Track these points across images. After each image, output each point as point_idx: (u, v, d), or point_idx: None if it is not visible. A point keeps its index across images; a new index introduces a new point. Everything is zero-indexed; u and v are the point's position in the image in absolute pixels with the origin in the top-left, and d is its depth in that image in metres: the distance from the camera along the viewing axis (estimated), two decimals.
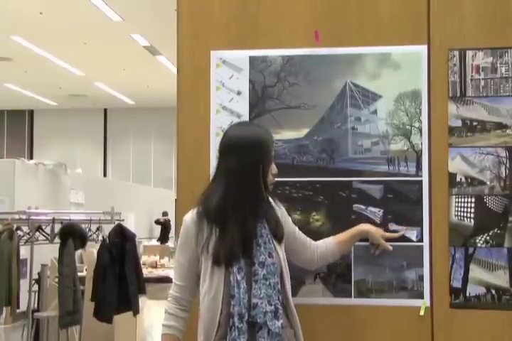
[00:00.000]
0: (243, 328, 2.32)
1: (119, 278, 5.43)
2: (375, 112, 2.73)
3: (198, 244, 2.42)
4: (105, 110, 20.18)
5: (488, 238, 2.63)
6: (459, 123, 2.68)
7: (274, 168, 2.49)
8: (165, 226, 15.99)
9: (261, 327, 2.33)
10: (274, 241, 2.43)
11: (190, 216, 2.46)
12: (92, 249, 6.42)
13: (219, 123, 2.79)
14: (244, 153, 2.40)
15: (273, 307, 2.34)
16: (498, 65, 2.68)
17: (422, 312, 2.64)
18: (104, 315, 5.53)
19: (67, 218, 6.26)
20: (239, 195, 2.39)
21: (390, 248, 2.63)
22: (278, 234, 2.45)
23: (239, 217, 2.38)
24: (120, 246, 5.53)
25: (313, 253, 2.57)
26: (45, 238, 6.32)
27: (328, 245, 2.59)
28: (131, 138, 20.13)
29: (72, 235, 5.65)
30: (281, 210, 2.52)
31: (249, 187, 2.40)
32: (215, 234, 2.40)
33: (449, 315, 2.64)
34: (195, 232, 2.43)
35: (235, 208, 2.38)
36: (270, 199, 2.49)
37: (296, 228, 2.58)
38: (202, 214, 2.43)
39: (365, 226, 2.63)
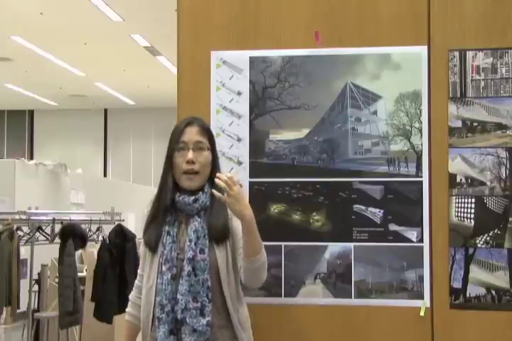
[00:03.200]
0: (164, 319, 2.34)
1: (119, 279, 5.44)
2: (375, 113, 2.73)
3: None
4: (105, 110, 20.17)
5: (488, 239, 2.63)
6: (459, 123, 2.68)
7: (187, 155, 2.41)
8: None
9: (182, 323, 2.34)
10: (213, 240, 2.39)
11: (149, 207, 2.55)
12: (92, 249, 6.42)
13: (219, 124, 2.79)
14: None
15: (199, 304, 2.33)
16: (499, 66, 2.68)
17: (422, 313, 2.64)
18: (104, 315, 5.53)
19: (68, 218, 6.25)
20: (159, 185, 2.50)
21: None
22: (213, 233, 2.39)
23: (159, 206, 2.46)
24: (120, 246, 5.53)
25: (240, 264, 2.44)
26: (45, 238, 6.32)
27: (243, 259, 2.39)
28: (131, 138, 20.12)
29: (72, 235, 5.64)
30: (232, 220, 2.41)
31: (161, 177, 2.49)
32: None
33: (449, 316, 2.64)
34: (144, 228, 2.52)
35: (157, 197, 2.48)
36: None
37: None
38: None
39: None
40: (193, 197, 2.41)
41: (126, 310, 2.57)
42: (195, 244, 2.37)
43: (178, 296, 2.34)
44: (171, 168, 2.45)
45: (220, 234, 2.40)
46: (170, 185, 2.43)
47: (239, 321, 2.40)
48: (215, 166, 2.47)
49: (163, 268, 2.37)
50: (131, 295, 2.57)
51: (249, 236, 2.31)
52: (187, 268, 2.35)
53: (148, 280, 2.44)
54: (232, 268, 2.41)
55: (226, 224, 2.41)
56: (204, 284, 2.34)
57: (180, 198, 2.41)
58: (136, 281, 2.57)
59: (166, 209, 2.43)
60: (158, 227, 2.43)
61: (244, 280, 2.40)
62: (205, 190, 2.43)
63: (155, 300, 2.38)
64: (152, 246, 2.43)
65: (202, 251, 2.36)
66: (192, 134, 2.44)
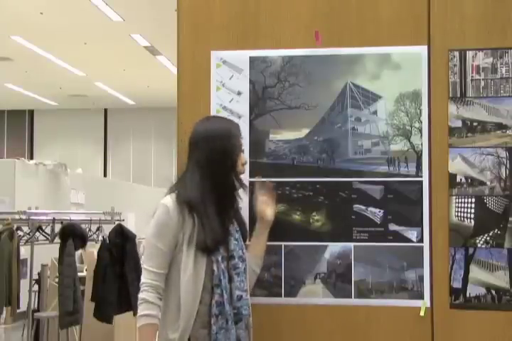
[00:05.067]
0: (223, 315, 2.38)
1: (119, 278, 5.44)
2: (375, 113, 2.73)
3: (181, 231, 2.43)
4: (105, 110, 20.17)
5: (488, 238, 2.63)
6: (459, 123, 2.68)
7: (243, 158, 2.56)
8: None
9: (240, 319, 2.40)
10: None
11: (169, 200, 2.47)
12: (93, 249, 6.43)
13: None
14: (213, 145, 2.49)
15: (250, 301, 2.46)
16: (499, 66, 2.68)
17: (422, 313, 2.64)
18: (104, 315, 5.53)
19: (68, 218, 6.26)
20: (213, 185, 2.46)
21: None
22: (244, 234, 2.55)
23: (218, 206, 2.47)
24: (120, 246, 5.54)
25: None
26: (45, 238, 6.32)
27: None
28: (131, 138, 20.12)
29: (72, 235, 5.65)
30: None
31: (221, 177, 2.48)
32: (198, 222, 2.43)
33: (449, 316, 2.64)
34: (177, 219, 2.43)
35: (212, 198, 2.45)
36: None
37: None
38: (182, 202, 2.45)
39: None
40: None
41: (147, 312, 2.40)
42: (241, 243, 2.49)
43: (240, 292, 2.43)
44: (232, 168, 2.51)
45: (245, 236, 2.57)
46: (236, 185, 2.52)
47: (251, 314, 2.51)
48: None
49: (223, 266, 2.41)
50: (150, 296, 2.41)
51: (263, 238, 2.60)
52: (242, 266, 2.46)
53: (195, 277, 2.39)
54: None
55: (245, 224, 2.60)
56: (245, 282, 2.48)
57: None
58: (150, 280, 2.42)
59: (228, 217, 2.50)
60: (217, 238, 2.44)
61: None
62: None
63: (202, 296, 2.40)
64: (221, 244, 2.44)
65: (243, 251, 2.50)
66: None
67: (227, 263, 2.43)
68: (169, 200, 2.46)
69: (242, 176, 2.57)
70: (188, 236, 2.42)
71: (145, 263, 2.45)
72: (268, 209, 2.62)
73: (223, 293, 2.38)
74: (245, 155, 2.58)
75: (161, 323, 2.42)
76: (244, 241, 2.55)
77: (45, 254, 6.67)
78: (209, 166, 2.48)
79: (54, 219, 6.19)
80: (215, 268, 2.39)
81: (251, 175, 2.76)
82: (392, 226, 2.68)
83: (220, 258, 2.42)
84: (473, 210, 2.64)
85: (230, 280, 2.42)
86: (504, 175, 2.65)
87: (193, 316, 2.38)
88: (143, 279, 2.44)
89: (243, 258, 2.47)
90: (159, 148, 19.74)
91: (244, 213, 2.72)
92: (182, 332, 2.38)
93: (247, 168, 2.75)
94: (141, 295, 2.43)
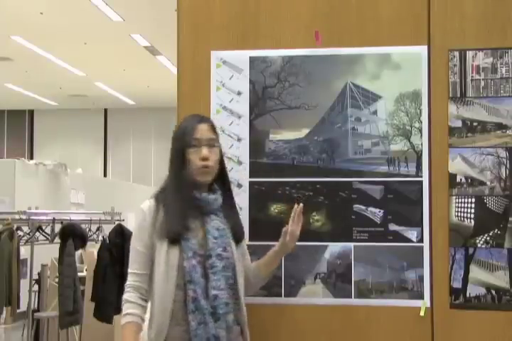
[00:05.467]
0: (196, 312, 2.35)
1: (119, 278, 5.42)
2: (375, 113, 2.73)
3: (154, 230, 2.46)
4: (105, 110, 20.16)
5: (488, 238, 2.63)
6: (459, 123, 2.68)
7: (201, 152, 2.46)
8: None
9: (219, 318, 2.36)
10: (231, 239, 2.48)
11: (147, 204, 2.51)
12: (92, 249, 6.43)
13: (219, 124, 2.78)
14: (173, 144, 2.52)
15: (228, 300, 2.40)
16: (498, 66, 2.68)
17: (422, 313, 2.64)
18: (104, 315, 5.53)
19: (68, 218, 6.26)
20: (172, 183, 2.50)
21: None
22: (236, 233, 2.50)
23: (178, 203, 2.46)
24: (120, 246, 5.53)
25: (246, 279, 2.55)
26: (45, 238, 6.32)
27: (254, 274, 2.58)
28: (131, 138, 20.11)
29: (72, 235, 5.65)
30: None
31: (176, 175, 2.50)
32: (163, 216, 2.47)
33: (449, 316, 2.64)
34: (151, 218, 2.47)
35: (174, 195, 2.47)
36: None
37: (245, 244, 2.59)
38: (157, 201, 2.50)
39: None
40: (213, 196, 2.48)
41: (128, 311, 2.43)
42: (221, 241, 2.43)
43: (216, 291, 2.37)
44: (184, 164, 2.48)
45: (241, 235, 2.53)
46: (188, 181, 2.47)
47: (245, 317, 2.48)
48: (222, 163, 2.55)
49: (194, 261, 2.38)
50: (131, 296, 2.45)
51: (279, 263, 2.61)
52: (219, 264, 2.40)
53: (165, 275, 2.40)
54: (243, 268, 2.51)
55: (239, 224, 2.55)
56: (228, 281, 2.41)
57: (203, 196, 2.46)
58: (132, 282, 2.47)
59: (188, 205, 2.45)
60: (179, 222, 2.43)
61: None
62: (218, 191, 2.51)
63: (175, 294, 2.38)
64: (177, 239, 2.41)
65: (225, 250, 2.44)
66: (204, 131, 2.49)
67: (203, 261, 2.40)
68: (145, 203, 2.52)
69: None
70: (160, 232, 2.45)
71: (129, 267, 2.50)
72: (293, 240, 2.53)
73: (196, 288, 2.36)
74: (203, 150, 2.44)
75: (148, 323, 2.46)
76: (238, 241, 2.51)
77: (45, 254, 6.67)
78: (170, 163, 2.53)
79: (54, 219, 6.19)
80: (185, 264, 2.38)
81: (251, 176, 2.76)
82: (392, 226, 2.68)
83: (191, 254, 2.39)
84: (473, 210, 2.64)
85: (207, 278, 2.39)
86: (504, 175, 2.65)
87: (167, 313, 2.38)
88: (126, 282, 2.50)
89: (222, 256, 2.41)
90: (159, 148, 19.72)
91: (245, 213, 2.72)
92: (157, 331, 2.40)
93: (246, 168, 2.75)
94: (123, 297, 2.48)
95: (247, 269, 2.54)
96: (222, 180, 2.54)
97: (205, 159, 2.45)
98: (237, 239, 2.50)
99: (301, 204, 2.52)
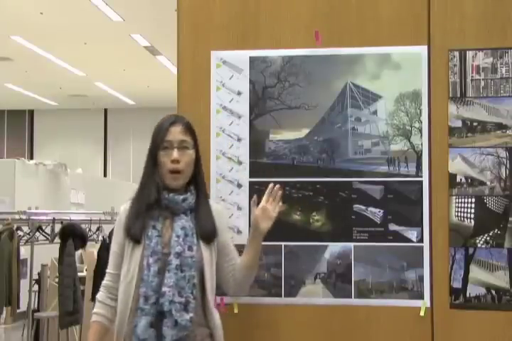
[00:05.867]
0: (147, 310, 2.35)
1: None
2: (375, 113, 2.73)
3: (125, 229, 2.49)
4: (105, 110, 20.16)
5: (488, 238, 2.63)
6: (459, 123, 2.68)
7: (172, 155, 2.46)
8: None
9: (165, 316, 2.35)
10: (200, 239, 2.45)
11: (123, 206, 2.55)
12: (92, 249, 6.43)
13: (219, 124, 2.79)
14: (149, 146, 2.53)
15: (183, 299, 2.36)
16: (499, 66, 2.68)
17: (422, 313, 2.64)
18: None
19: (68, 218, 6.26)
20: (142, 181, 2.53)
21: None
22: (204, 233, 2.47)
23: (141, 203, 2.48)
24: None
25: (228, 273, 2.53)
26: (45, 238, 6.32)
27: (239, 269, 2.54)
28: (131, 138, 20.10)
29: (72, 235, 5.65)
30: (220, 217, 2.54)
31: (147, 174, 2.51)
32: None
33: (449, 316, 2.64)
34: (124, 219, 2.50)
35: (140, 193, 2.50)
36: (211, 202, 2.56)
37: (231, 244, 2.55)
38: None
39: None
40: (182, 197, 2.46)
41: (95, 310, 2.50)
42: (183, 240, 2.41)
43: (164, 289, 2.36)
44: (155, 166, 2.49)
45: (210, 234, 2.48)
46: (156, 183, 2.47)
47: (216, 320, 2.46)
48: (198, 165, 2.53)
49: (150, 260, 2.39)
50: (100, 296, 2.52)
51: (259, 254, 2.53)
52: (174, 262, 2.38)
53: (127, 273, 2.43)
54: (214, 268, 2.48)
55: (215, 226, 2.50)
56: (190, 281, 2.39)
57: (170, 196, 2.46)
58: (105, 281, 2.53)
59: (150, 206, 2.46)
60: (142, 221, 2.45)
61: (232, 290, 2.54)
62: (192, 191, 2.50)
63: (134, 292, 2.40)
64: (137, 238, 2.43)
65: (190, 248, 2.41)
66: (176, 133, 2.48)
67: (162, 259, 2.39)
68: (123, 206, 2.56)
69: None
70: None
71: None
72: (265, 220, 2.51)
73: (146, 286, 2.37)
74: (174, 153, 2.44)
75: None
76: (209, 241, 2.47)
77: (45, 254, 6.66)
78: (144, 166, 2.54)
79: (54, 219, 6.19)
80: (144, 262, 2.40)
81: (251, 176, 2.76)
82: (392, 226, 2.68)
83: (148, 253, 2.40)
84: (473, 210, 2.64)
85: (161, 276, 2.39)
86: (504, 175, 2.65)
87: (127, 311, 2.40)
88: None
89: (182, 255, 2.39)
90: None
91: (245, 213, 2.72)
92: (118, 327, 2.43)
93: (246, 168, 2.75)
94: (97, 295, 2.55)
95: (231, 269, 2.52)
96: (196, 182, 2.51)
97: (174, 161, 2.45)
98: (206, 238, 2.46)
99: (279, 190, 2.53)
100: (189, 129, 2.51)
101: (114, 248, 2.53)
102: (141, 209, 2.46)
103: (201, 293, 2.42)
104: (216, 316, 2.46)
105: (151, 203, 2.46)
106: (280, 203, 2.54)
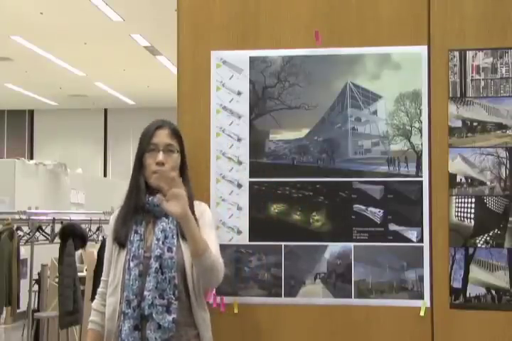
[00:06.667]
0: (129, 314, 2.37)
1: None
2: (375, 113, 2.73)
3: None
4: (105, 110, 20.16)
5: (488, 238, 2.63)
6: (459, 123, 2.68)
7: (157, 157, 2.47)
8: None
9: (149, 319, 2.36)
10: (181, 239, 2.44)
11: (114, 212, 2.57)
12: (92, 249, 6.42)
13: (219, 124, 2.79)
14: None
15: (165, 301, 2.37)
16: (499, 66, 2.68)
17: (422, 313, 2.64)
18: None
19: (68, 218, 6.26)
20: (129, 184, 2.53)
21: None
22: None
23: (131, 205, 2.49)
24: None
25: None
26: (45, 238, 6.32)
27: None
28: (131, 138, 20.07)
29: (72, 235, 5.65)
30: (202, 217, 2.49)
31: (134, 176, 2.52)
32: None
33: (449, 316, 2.64)
34: (114, 224, 2.53)
35: (127, 198, 2.52)
36: (196, 202, 2.51)
37: (210, 239, 2.43)
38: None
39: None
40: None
41: (90, 318, 2.56)
42: (162, 243, 2.42)
43: (145, 292, 2.37)
44: (141, 168, 2.51)
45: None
46: (142, 185, 2.49)
47: (203, 320, 2.45)
48: (183, 168, 2.54)
49: (131, 264, 2.41)
50: (95, 303, 2.57)
51: (196, 236, 2.35)
52: (154, 265, 2.39)
53: (114, 277, 2.46)
54: None
55: (196, 226, 2.45)
56: (171, 282, 2.39)
57: (150, 199, 2.47)
58: (100, 288, 2.57)
59: (136, 209, 2.48)
60: (127, 226, 2.47)
61: (201, 281, 2.45)
62: None
63: (121, 296, 2.41)
64: (122, 243, 2.46)
65: (170, 250, 2.42)
66: (162, 136, 2.51)
67: (144, 263, 2.40)
68: (114, 213, 2.58)
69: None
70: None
71: None
72: (171, 203, 2.31)
73: (128, 290, 2.38)
74: (159, 155, 2.45)
75: None
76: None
77: (45, 254, 6.66)
78: (132, 169, 2.55)
79: (54, 219, 6.19)
80: (126, 266, 2.42)
81: (251, 176, 2.76)
82: (392, 226, 2.68)
83: (129, 257, 2.41)
84: (473, 210, 2.64)
85: (144, 279, 2.39)
86: (504, 175, 2.65)
87: (115, 314, 2.43)
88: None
89: (162, 257, 2.38)
90: None
91: (245, 213, 2.72)
92: (107, 332, 2.46)
93: (246, 168, 2.75)
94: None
95: None
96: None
97: (159, 164, 2.46)
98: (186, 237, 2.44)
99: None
100: (176, 133, 2.54)
101: (106, 254, 2.56)
102: (128, 214, 2.48)
103: (185, 294, 2.42)
104: (203, 316, 2.45)
105: (140, 207, 2.48)
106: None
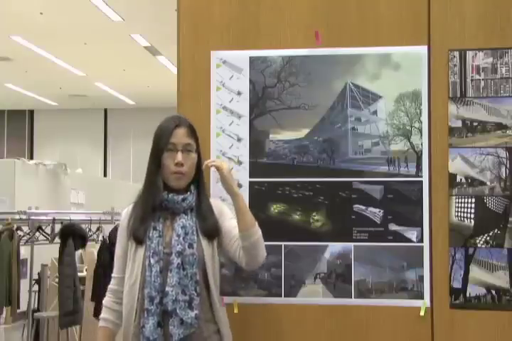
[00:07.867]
0: (153, 310, 2.37)
1: None
2: (375, 113, 2.73)
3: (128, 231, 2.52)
4: (105, 110, 20.16)
5: (488, 238, 2.63)
6: (459, 123, 2.68)
7: (176, 157, 2.47)
8: None
9: (171, 315, 2.37)
10: (201, 235, 2.47)
11: (126, 210, 2.57)
12: (92, 249, 6.43)
13: (219, 124, 2.79)
14: (152, 143, 2.53)
15: (187, 297, 2.38)
16: (499, 66, 2.68)
17: (422, 313, 2.65)
18: None
19: (68, 218, 6.25)
20: (145, 182, 2.53)
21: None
22: (206, 230, 2.48)
23: (145, 204, 2.49)
24: None
25: (237, 247, 2.48)
26: (45, 238, 6.32)
27: (239, 237, 2.48)
28: (131, 138, 20.10)
29: (72, 235, 5.65)
30: (222, 211, 2.54)
31: (150, 175, 2.51)
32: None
33: (449, 316, 2.64)
34: (127, 221, 2.53)
35: (143, 196, 2.51)
36: (211, 199, 2.57)
37: (236, 228, 2.47)
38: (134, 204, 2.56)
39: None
40: (181, 196, 2.48)
41: (102, 316, 2.55)
42: (183, 239, 2.43)
43: (168, 288, 2.38)
44: (158, 167, 2.50)
45: (212, 232, 2.49)
46: (159, 184, 2.49)
47: (223, 316, 2.49)
48: (199, 166, 2.55)
49: (152, 260, 2.41)
50: (106, 301, 2.55)
51: (244, 210, 2.46)
52: (176, 261, 2.40)
53: (131, 275, 2.46)
54: (217, 264, 2.49)
55: (216, 222, 2.51)
56: (192, 278, 2.40)
57: (170, 196, 2.48)
58: (111, 285, 2.56)
59: (154, 207, 2.48)
60: (145, 223, 2.47)
61: (244, 261, 2.46)
62: (192, 191, 2.51)
63: (139, 293, 2.41)
64: (140, 240, 2.45)
65: (191, 246, 2.43)
66: (181, 136, 2.50)
67: (164, 259, 2.41)
68: (125, 209, 2.58)
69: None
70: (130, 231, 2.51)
71: None
72: (231, 182, 2.48)
73: (149, 286, 2.38)
74: (178, 155, 2.46)
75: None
76: (211, 238, 2.48)
77: (45, 254, 6.67)
78: (147, 168, 2.54)
79: (54, 219, 6.19)
80: (146, 263, 2.42)
81: (251, 176, 2.76)
82: (392, 226, 2.69)
83: (149, 254, 2.41)
84: (473, 210, 2.64)
85: (164, 275, 2.40)
86: (504, 175, 2.65)
87: (132, 311, 2.43)
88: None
89: (183, 253, 2.40)
90: None
91: None
92: (125, 329, 2.46)
93: (246, 168, 2.75)
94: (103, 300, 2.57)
95: (237, 243, 2.46)
96: (197, 182, 2.54)
97: (179, 164, 2.47)
98: (208, 235, 2.48)
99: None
100: (192, 132, 2.53)
101: (118, 252, 2.55)
102: (147, 211, 2.48)
103: (206, 290, 2.45)
104: (221, 313, 2.49)
105: (157, 205, 2.48)
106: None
